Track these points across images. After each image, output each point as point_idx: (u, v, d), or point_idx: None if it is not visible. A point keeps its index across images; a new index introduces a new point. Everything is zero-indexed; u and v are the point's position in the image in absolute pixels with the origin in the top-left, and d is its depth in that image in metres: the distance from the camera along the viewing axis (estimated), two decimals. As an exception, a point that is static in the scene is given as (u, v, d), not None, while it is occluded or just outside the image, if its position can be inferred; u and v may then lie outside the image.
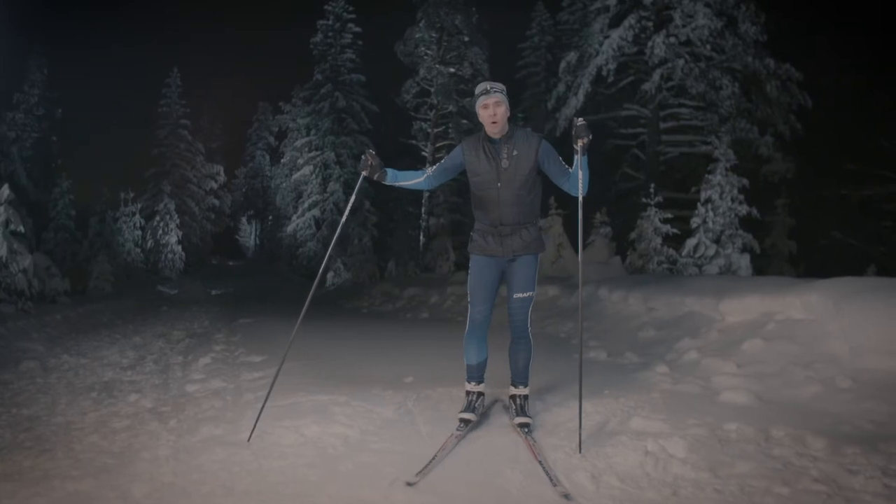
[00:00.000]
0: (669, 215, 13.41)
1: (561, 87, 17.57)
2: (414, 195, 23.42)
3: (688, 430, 3.45)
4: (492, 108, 3.50)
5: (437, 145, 23.34)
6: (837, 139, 16.48)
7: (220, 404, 4.24)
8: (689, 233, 12.53)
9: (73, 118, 27.19)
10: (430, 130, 23.65)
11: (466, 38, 22.55)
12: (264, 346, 6.73)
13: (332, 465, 3.08)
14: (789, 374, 4.42)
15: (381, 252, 23.61)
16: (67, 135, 26.93)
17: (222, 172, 36.83)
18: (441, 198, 21.59)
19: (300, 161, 27.90)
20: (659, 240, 12.79)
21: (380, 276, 21.46)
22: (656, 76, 15.55)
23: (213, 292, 21.82)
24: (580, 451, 3.19)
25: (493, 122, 3.51)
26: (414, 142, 24.08)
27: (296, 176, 28.27)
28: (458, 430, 3.53)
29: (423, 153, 23.58)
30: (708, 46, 15.14)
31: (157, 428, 3.73)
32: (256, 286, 24.13)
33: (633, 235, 13.31)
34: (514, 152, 3.55)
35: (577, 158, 3.46)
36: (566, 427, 3.64)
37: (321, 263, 24.03)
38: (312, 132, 27.24)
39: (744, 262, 12.00)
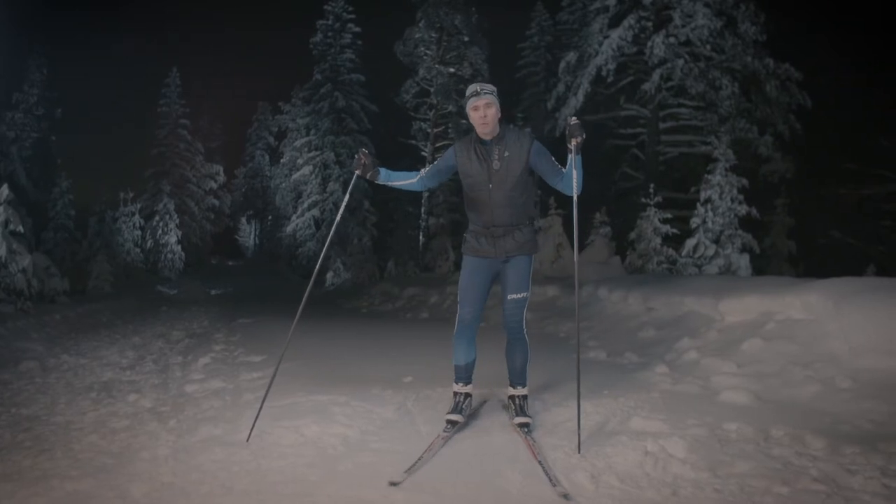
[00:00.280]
0: (669, 215, 13.41)
1: (560, 87, 17.57)
2: (413, 195, 23.42)
3: (687, 429, 3.45)
4: (482, 109, 3.49)
5: (437, 145, 23.35)
6: (837, 139, 16.47)
7: (219, 404, 4.24)
8: (689, 233, 12.54)
9: (73, 118, 27.21)
10: (429, 130, 23.66)
11: (466, 38, 22.55)
12: (264, 346, 6.73)
13: (332, 464, 3.07)
14: (789, 373, 4.42)
15: (381, 252, 23.61)
16: (67, 135, 26.93)
17: (222, 172, 36.80)
18: (441, 198, 21.60)
19: (300, 161, 27.89)
20: (658, 240, 12.79)
21: (379, 276, 21.46)
22: (656, 76, 15.55)
23: (213, 292, 21.81)
24: (579, 451, 3.19)
25: (484, 124, 3.51)
26: (413, 142, 24.09)
27: (295, 176, 28.25)
28: (444, 431, 3.52)
29: (423, 153, 23.58)
30: (707, 46, 15.14)
31: (157, 428, 3.73)
32: (256, 286, 24.12)
33: (632, 235, 13.31)
34: (506, 153, 3.55)
35: (571, 158, 3.46)
36: (565, 427, 3.64)
37: (321, 263, 24.09)
38: (312, 132, 27.23)
39: (743, 261, 12.00)
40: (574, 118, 3.49)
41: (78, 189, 23.02)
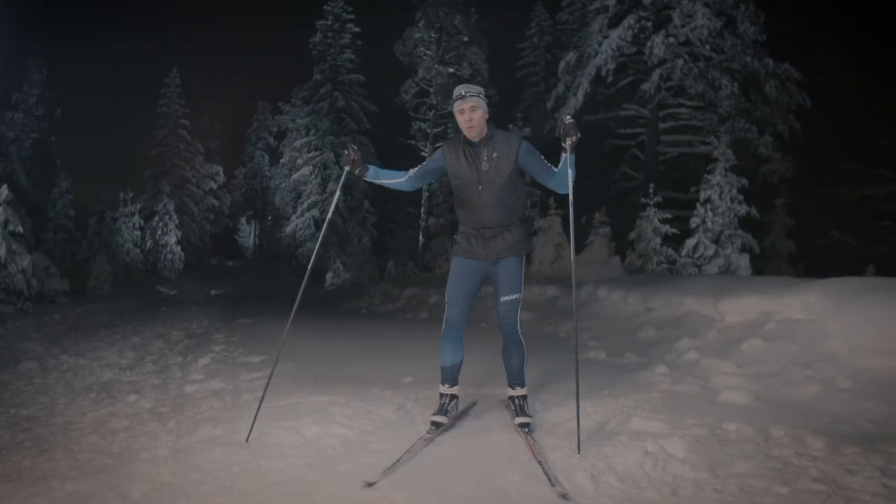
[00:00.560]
0: (669, 215, 13.42)
1: (560, 88, 17.58)
2: (413, 195, 23.41)
3: (687, 429, 3.45)
4: (468, 112, 3.49)
5: (437, 145, 23.33)
6: (837, 139, 16.47)
7: (219, 405, 4.24)
8: (689, 233, 12.54)
9: (73, 118, 27.18)
10: (429, 130, 23.67)
11: (465, 39, 22.56)
12: (263, 347, 6.73)
13: (332, 465, 3.07)
14: (789, 373, 4.42)
15: (381, 252, 23.62)
16: (66, 135, 26.91)
17: (221, 173, 36.78)
18: (441, 198, 21.59)
19: (299, 161, 27.89)
20: (658, 240, 12.79)
21: (379, 277, 21.46)
22: (655, 76, 15.55)
23: (213, 292, 21.82)
24: (579, 451, 3.19)
25: (469, 128, 3.51)
26: (413, 142, 24.10)
27: (295, 176, 28.26)
28: (428, 432, 3.50)
29: (423, 153, 23.58)
30: (707, 46, 15.14)
31: (156, 428, 3.73)
32: (256, 286, 24.14)
33: (632, 235, 13.32)
34: (494, 154, 3.54)
35: (565, 157, 3.45)
36: (565, 427, 3.64)
37: (321, 263, 24.08)
38: (312, 132, 27.23)
39: (743, 261, 12.01)
40: (570, 118, 3.49)
41: (77, 189, 23.05)
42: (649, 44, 15.26)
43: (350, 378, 5.00)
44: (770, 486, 2.73)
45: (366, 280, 21.34)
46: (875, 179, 14.29)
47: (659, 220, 12.95)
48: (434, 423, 3.58)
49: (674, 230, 13.01)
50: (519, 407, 3.70)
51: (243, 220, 47.99)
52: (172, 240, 29.46)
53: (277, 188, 37.74)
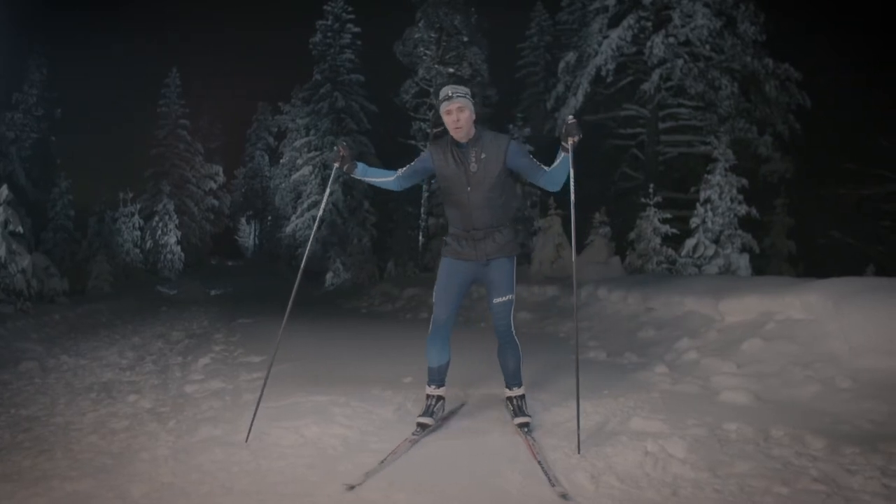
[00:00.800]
0: (668, 215, 13.41)
1: (560, 88, 17.58)
2: (413, 195, 23.42)
3: (687, 429, 3.45)
4: (455, 113, 3.46)
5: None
6: (836, 139, 16.47)
7: (219, 405, 4.24)
8: (689, 233, 12.55)
9: (73, 118, 27.18)
10: (429, 130, 23.64)
11: (465, 39, 22.55)
12: (263, 347, 6.73)
13: (332, 465, 3.07)
14: (789, 373, 4.42)
15: (381, 252, 23.61)
16: (66, 135, 26.92)
17: (221, 173, 36.78)
18: (441, 198, 21.56)
19: (299, 161, 27.89)
20: (658, 240, 12.79)
21: (379, 277, 21.46)
22: (655, 76, 15.55)
23: (212, 292, 21.82)
24: (579, 452, 3.19)
25: (457, 128, 3.48)
26: (413, 142, 24.07)
27: (295, 176, 28.25)
28: (413, 434, 3.48)
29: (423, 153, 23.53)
30: (707, 46, 15.14)
31: (156, 428, 3.73)
32: (256, 286, 24.13)
33: (632, 235, 13.32)
34: (483, 155, 3.51)
35: (566, 156, 3.42)
36: (565, 427, 3.64)
37: (321, 263, 24.08)
38: (311, 132, 27.22)
39: (743, 261, 12.01)
40: (571, 117, 3.48)
41: (77, 189, 23.07)
42: (649, 44, 15.26)
43: (350, 378, 5.00)
44: (770, 486, 2.73)
45: (366, 280, 21.34)
46: (875, 179, 14.28)
47: (659, 220, 12.95)
48: (420, 425, 3.56)
49: (674, 230, 13.01)
50: (517, 407, 3.70)
51: (243, 220, 47.98)
52: (172, 240, 29.45)
53: (277, 188, 37.73)
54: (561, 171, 3.50)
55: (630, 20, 15.68)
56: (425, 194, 22.60)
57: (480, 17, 23.11)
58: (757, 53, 15.18)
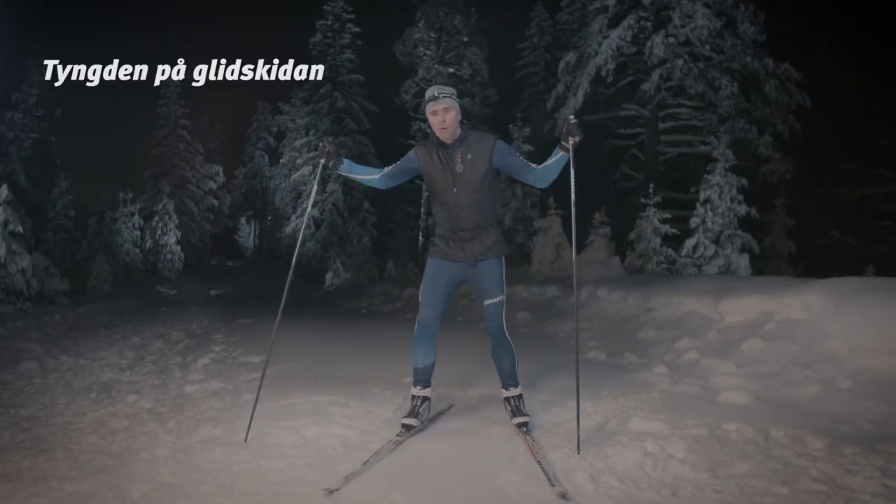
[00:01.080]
0: (668, 215, 13.41)
1: (560, 88, 17.57)
2: (413, 195, 23.41)
3: (687, 430, 3.45)
4: (441, 114, 3.44)
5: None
6: (836, 139, 16.47)
7: (218, 405, 4.23)
8: (688, 233, 12.54)
9: (73, 118, 27.13)
10: (429, 131, 23.58)
11: (465, 39, 22.56)
12: (263, 347, 6.70)
13: (332, 465, 3.07)
14: (789, 373, 4.42)
15: (381, 252, 23.60)
16: (66, 135, 26.88)
17: (221, 173, 36.75)
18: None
19: (299, 161, 27.87)
20: (658, 240, 12.79)
21: (379, 277, 21.46)
22: (655, 76, 15.55)
23: (212, 292, 21.81)
24: (579, 452, 3.19)
25: (443, 129, 3.46)
26: (413, 142, 24.05)
27: (295, 176, 28.24)
28: (398, 435, 3.46)
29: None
30: (707, 46, 15.13)
31: (156, 428, 3.73)
32: (255, 286, 24.11)
33: (632, 235, 13.32)
34: (469, 156, 3.50)
35: (563, 155, 3.42)
36: (565, 427, 3.64)
37: (320, 263, 24.07)
38: (311, 132, 27.21)
39: (743, 262, 12.01)
40: (573, 117, 3.47)
41: (77, 189, 23.05)
42: (649, 44, 15.26)
43: (350, 378, 5.00)
44: (770, 486, 2.73)
45: (366, 280, 21.33)
46: (875, 179, 14.28)
47: (659, 220, 12.95)
48: (404, 426, 3.54)
49: (674, 230, 13.00)
50: (515, 407, 3.69)
51: (243, 220, 47.97)
52: (172, 240, 29.44)
53: (277, 188, 37.69)
54: (555, 168, 3.49)
55: (630, 20, 15.66)
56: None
57: (480, 18, 23.13)
58: (757, 53, 15.17)
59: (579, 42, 17.99)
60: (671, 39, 15.07)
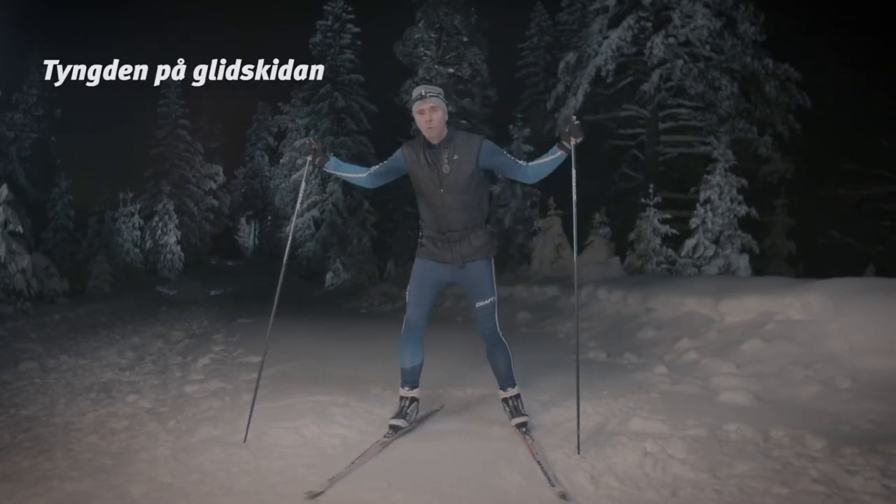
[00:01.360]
0: (668, 216, 13.41)
1: (560, 88, 17.57)
2: (413, 195, 23.35)
3: (687, 430, 3.45)
4: (428, 113, 3.41)
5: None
6: (836, 139, 16.47)
7: (218, 405, 4.23)
8: (688, 233, 12.54)
9: (73, 118, 27.14)
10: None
11: (465, 39, 22.54)
12: (263, 347, 6.71)
13: (332, 465, 3.07)
14: (789, 374, 4.42)
15: (381, 252, 23.61)
16: (66, 135, 26.88)
17: (221, 173, 36.76)
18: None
19: (299, 161, 27.88)
20: (658, 240, 12.79)
21: (379, 277, 21.46)
22: (655, 76, 15.55)
23: (212, 292, 21.82)
24: (579, 452, 3.19)
25: (430, 128, 3.42)
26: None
27: (295, 176, 28.24)
28: (385, 436, 3.45)
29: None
30: (707, 47, 15.13)
31: (156, 428, 3.73)
32: (255, 286, 24.11)
33: (632, 236, 13.31)
34: (455, 156, 3.46)
35: (561, 155, 3.43)
36: (565, 427, 3.64)
37: (320, 264, 24.04)
38: (311, 132, 27.21)
39: (743, 262, 12.01)
40: (576, 118, 3.46)
41: (77, 189, 23.06)
42: (649, 44, 15.26)
43: (350, 378, 5.00)
44: (770, 486, 2.73)
45: (366, 280, 21.34)
46: (875, 179, 14.29)
47: (659, 220, 12.94)
48: (392, 427, 3.51)
49: (673, 231, 13.00)
50: (514, 407, 3.68)
51: (243, 220, 47.96)
52: (172, 240, 29.45)
53: (277, 188, 37.64)
54: (548, 166, 3.49)
55: (630, 20, 15.66)
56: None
57: (480, 18, 23.11)
58: (757, 54, 15.17)
59: (579, 42, 17.98)
60: (671, 40, 15.07)
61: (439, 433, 3.63)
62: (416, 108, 3.45)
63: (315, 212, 26.93)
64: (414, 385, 3.71)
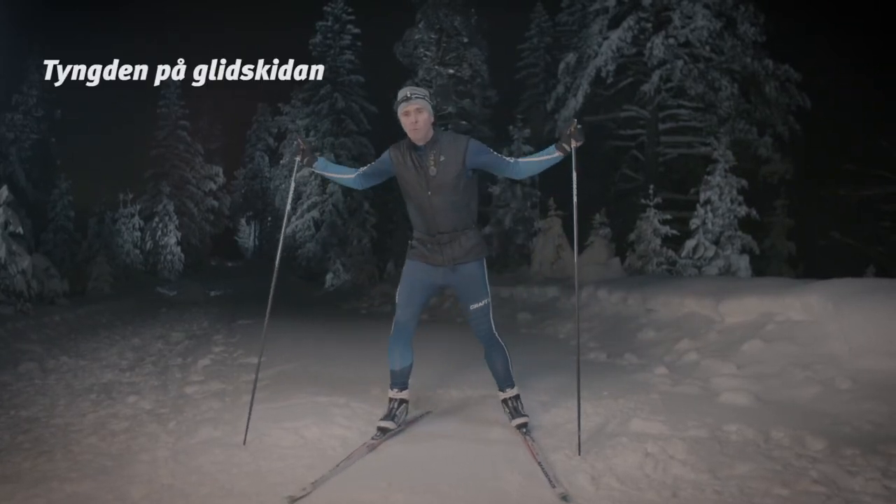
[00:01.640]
0: (668, 216, 13.40)
1: (560, 89, 17.57)
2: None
3: (687, 431, 3.45)
4: (413, 114, 3.38)
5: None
6: (836, 140, 16.48)
7: (218, 406, 4.23)
8: (689, 234, 12.54)
9: (73, 119, 27.14)
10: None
11: (465, 40, 22.55)
12: (259, 348, 6.71)
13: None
14: (789, 374, 4.42)
15: (381, 253, 23.61)
16: (66, 136, 26.88)
17: (221, 174, 36.76)
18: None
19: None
20: (658, 241, 12.78)
21: (379, 277, 21.45)
22: (655, 77, 15.55)
23: (212, 293, 21.80)
24: (579, 453, 3.19)
25: (415, 130, 3.40)
26: (413, 142, 24.06)
27: (294, 176, 28.25)
28: (373, 438, 3.43)
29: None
30: (707, 47, 15.14)
31: (156, 430, 3.73)
32: (256, 287, 24.10)
33: (632, 237, 13.31)
34: (441, 158, 3.43)
35: (559, 156, 3.43)
36: (565, 428, 3.64)
37: (321, 265, 24.03)
38: (311, 133, 27.22)
39: (743, 263, 12.00)
40: (577, 121, 3.46)
41: (77, 190, 23.02)
42: (649, 45, 15.26)
43: (350, 379, 5.00)
44: (770, 487, 2.73)
45: (366, 281, 21.33)
46: (875, 180, 14.28)
47: (659, 221, 12.94)
48: (380, 429, 3.49)
49: (674, 231, 13.00)
50: (513, 408, 3.67)
51: (243, 221, 47.97)
52: (172, 241, 29.45)
53: (277, 189, 37.71)
54: (541, 165, 3.50)
55: (630, 21, 15.66)
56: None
57: (480, 19, 23.12)
58: (757, 54, 15.17)
59: (579, 43, 17.98)
60: (671, 40, 15.07)
61: (439, 435, 3.62)
62: (401, 109, 3.42)
63: (315, 213, 26.94)
64: (403, 387, 3.70)
